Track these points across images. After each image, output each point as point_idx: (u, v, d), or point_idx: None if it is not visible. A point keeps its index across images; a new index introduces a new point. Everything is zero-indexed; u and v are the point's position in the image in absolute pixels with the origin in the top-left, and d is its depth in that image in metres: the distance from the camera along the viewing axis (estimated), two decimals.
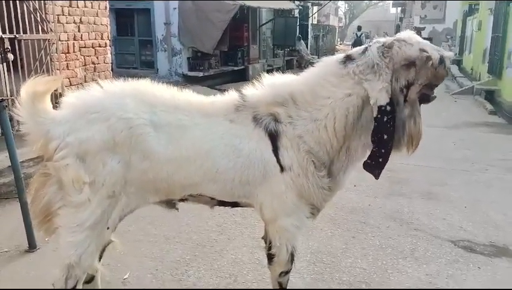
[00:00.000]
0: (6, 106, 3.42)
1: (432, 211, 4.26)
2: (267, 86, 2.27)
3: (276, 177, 2.16)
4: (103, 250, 2.36)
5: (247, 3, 12.82)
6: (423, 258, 3.37)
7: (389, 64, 2.07)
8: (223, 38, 12.54)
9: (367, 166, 2.22)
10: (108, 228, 2.12)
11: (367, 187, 4.89)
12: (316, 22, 29.29)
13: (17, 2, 5.17)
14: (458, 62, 20.31)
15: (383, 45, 2.11)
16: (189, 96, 2.26)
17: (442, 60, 2.11)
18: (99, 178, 1.99)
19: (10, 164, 3.40)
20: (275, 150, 2.16)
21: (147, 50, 13.65)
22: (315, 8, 24.85)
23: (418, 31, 17.16)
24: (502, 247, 3.57)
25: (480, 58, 14.60)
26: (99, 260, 2.40)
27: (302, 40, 20.39)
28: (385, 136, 2.09)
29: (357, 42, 23.63)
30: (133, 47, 13.86)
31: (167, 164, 2.08)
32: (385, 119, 2.06)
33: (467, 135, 7.83)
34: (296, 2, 19.05)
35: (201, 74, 12.67)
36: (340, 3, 50.83)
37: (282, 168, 2.15)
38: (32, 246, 3.42)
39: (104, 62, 7.03)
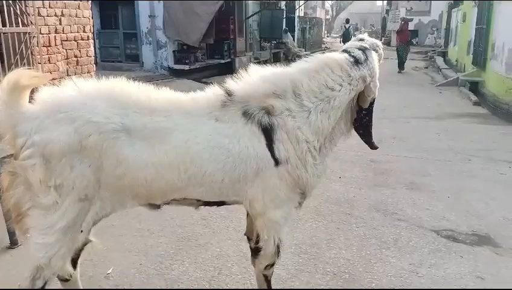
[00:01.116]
0: None
1: (415, 201, 4.30)
2: (259, 78, 2.23)
3: (270, 171, 2.15)
4: (81, 249, 2.33)
5: None
6: (406, 247, 3.40)
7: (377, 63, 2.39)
8: (208, 31, 12.44)
9: (369, 144, 2.51)
10: (82, 231, 2.06)
11: (351, 178, 4.92)
12: (302, 15, 29.24)
13: None
14: (443, 54, 20.51)
15: (374, 49, 2.40)
16: (168, 94, 2.17)
17: None
18: (68, 181, 1.91)
19: None
20: (269, 144, 2.13)
21: (131, 43, 13.47)
22: (302, 1, 24.80)
23: (406, 22, 17.10)
24: (484, 236, 3.61)
25: (464, 49, 14.75)
26: (77, 260, 2.38)
27: (289, 33, 20.37)
28: (371, 119, 2.44)
29: (345, 34, 24.61)
30: (117, 40, 13.66)
31: (144, 170, 1.99)
32: (372, 106, 2.40)
33: (451, 125, 7.90)
34: None
35: (187, 67, 12.57)
36: None
37: (276, 162, 2.14)
38: (13, 242, 3.37)
39: (87, 55, 6.91)
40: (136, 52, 13.44)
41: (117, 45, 13.74)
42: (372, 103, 2.39)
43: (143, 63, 13.23)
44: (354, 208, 4.15)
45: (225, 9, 13.14)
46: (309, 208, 4.08)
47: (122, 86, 2.08)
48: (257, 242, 2.31)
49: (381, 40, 36.62)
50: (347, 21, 25.41)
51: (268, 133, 2.13)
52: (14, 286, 2.78)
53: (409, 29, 17.81)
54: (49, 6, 6.06)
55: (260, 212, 2.23)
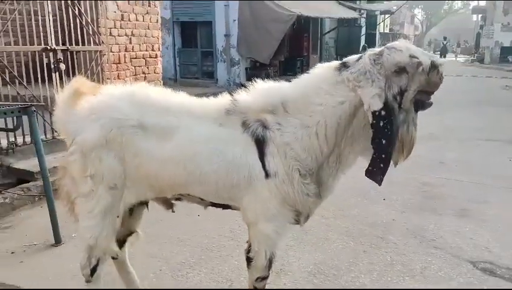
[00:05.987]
0: (35, 111, 3.77)
1: (459, 229, 3.98)
2: (258, 92, 2.29)
3: (261, 183, 2.18)
4: (128, 235, 2.68)
5: (305, 13, 12.82)
6: (433, 277, 3.17)
7: (381, 70, 2.06)
8: (280, 48, 12.67)
9: (369, 173, 2.14)
10: (118, 217, 2.34)
11: (396, 201, 4.69)
12: (387, 31, 28.56)
13: (71, 17, 5.64)
14: None
15: (374, 53, 2.11)
16: (183, 98, 2.37)
17: (434, 66, 2.04)
18: (98, 172, 2.21)
19: None
20: (261, 156, 2.18)
21: (208, 61, 14.18)
22: (383, 17, 24.23)
23: None
24: None
25: None
26: (123, 243, 2.67)
27: (368, 50, 19.94)
28: (383, 141, 2.05)
29: (443, 50, 29.66)
30: (195, 58, 14.45)
31: (154, 163, 2.22)
32: (381, 124, 2.03)
33: None
34: (360, 10, 18.67)
35: None
36: (416, 11, 48.99)
37: (267, 174, 2.17)
38: (57, 241, 3.71)
39: (155, 72, 7.42)
40: (212, 69, 14.10)
41: (195, 63, 14.54)
42: (377, 118, 2.02)
43: (217, 79, 13.81)
44: (389, 232, 3.95)
45: (299, 26, 13.29)
46: (340, 228, 3.98)
47: (142, 90, 2.35)
48: (248, 251, 2.32)
49: (473, 56, 34.30)
50: (444, 38, 31.00)
51: (260, 144, 2.18)
52: (56, 281, 3.09)
53: None
54: (120, 27, 6.64)
55: (252, 222, 2.27)
